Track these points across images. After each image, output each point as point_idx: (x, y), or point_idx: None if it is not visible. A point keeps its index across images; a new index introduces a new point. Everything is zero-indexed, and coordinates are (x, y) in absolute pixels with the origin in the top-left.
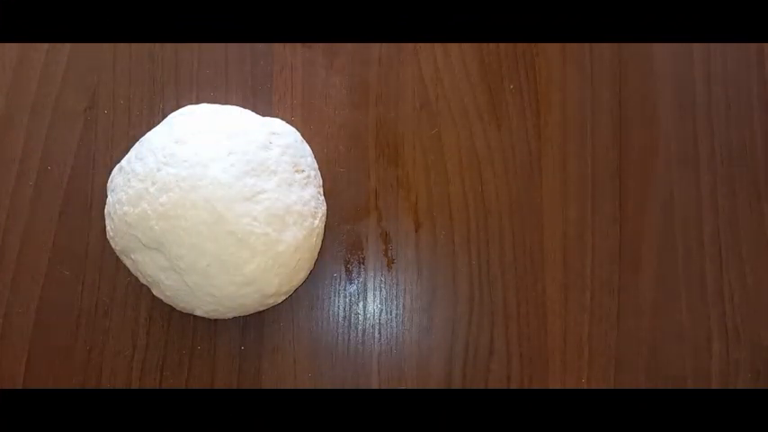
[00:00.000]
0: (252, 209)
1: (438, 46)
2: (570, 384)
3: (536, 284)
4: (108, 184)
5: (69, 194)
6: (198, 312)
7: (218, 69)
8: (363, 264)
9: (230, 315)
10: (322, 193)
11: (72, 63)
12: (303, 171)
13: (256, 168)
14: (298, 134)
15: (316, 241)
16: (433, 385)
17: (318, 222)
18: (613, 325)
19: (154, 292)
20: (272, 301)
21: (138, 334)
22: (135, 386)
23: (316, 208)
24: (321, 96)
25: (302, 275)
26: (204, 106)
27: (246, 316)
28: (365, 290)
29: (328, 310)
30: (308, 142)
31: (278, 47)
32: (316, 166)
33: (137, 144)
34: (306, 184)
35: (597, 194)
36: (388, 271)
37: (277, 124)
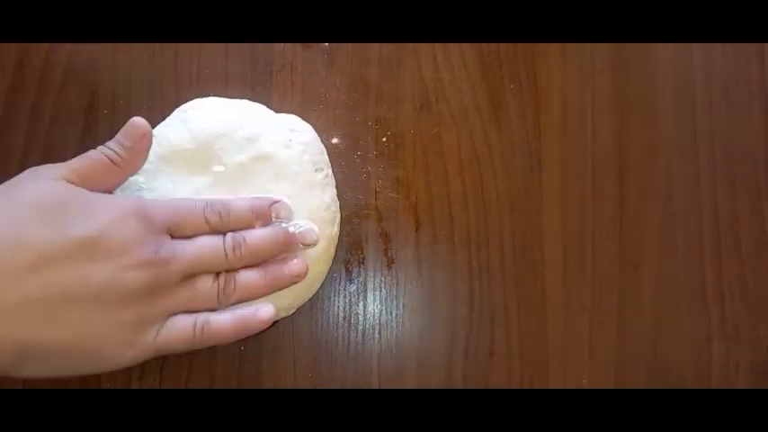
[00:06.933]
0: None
1: (438, 46)
2: (571, 384)
3: (536, 284)
4: None
5: None
6: None
7: (218, 69)
8: (363, 264)
9: None
10: (336, 194)
11: (72, 63)
12: (323, 170)
13: (279, 173)
14: (313, 130)
15: (333, 250)
16: (433, 385)
17: (336, 229)
18: (613, 325)
19: None
20: (282, 315)
21: None
22: (135, 386)
23: (335, 212)
24: (321, 96)
25: (315, 288)
26: (214, 100)
27: None
28: (365, 290)
29: (328, 310)
30: None
31: (278, 47)
32: (330, 164)
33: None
34: (326, 185)
35: (597, 194)
36: (388, 271)
37: (294, 121)
